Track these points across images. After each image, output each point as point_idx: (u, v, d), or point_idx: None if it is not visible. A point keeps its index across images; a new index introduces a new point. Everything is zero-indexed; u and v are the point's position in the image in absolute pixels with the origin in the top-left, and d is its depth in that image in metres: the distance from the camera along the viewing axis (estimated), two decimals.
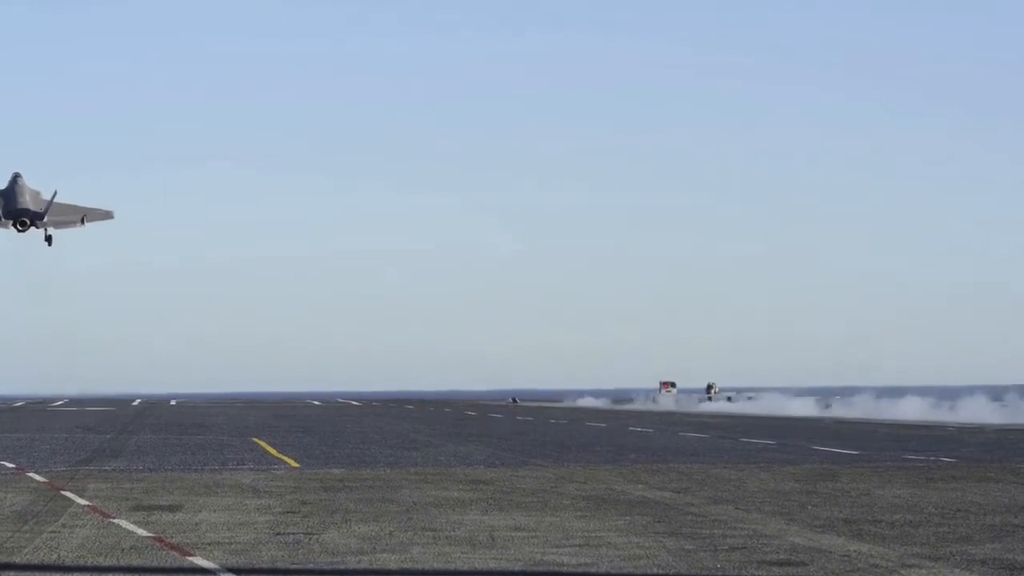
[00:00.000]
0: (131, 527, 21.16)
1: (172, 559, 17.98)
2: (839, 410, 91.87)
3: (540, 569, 17.21)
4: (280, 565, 17.52)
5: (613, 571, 17.02)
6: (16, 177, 62.15)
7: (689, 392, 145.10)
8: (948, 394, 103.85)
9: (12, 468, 33.82)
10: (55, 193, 61.88)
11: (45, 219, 61.74)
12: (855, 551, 18.60)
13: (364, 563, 17.62)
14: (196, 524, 21.58)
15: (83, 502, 24.96)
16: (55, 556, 18.13)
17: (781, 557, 18.06)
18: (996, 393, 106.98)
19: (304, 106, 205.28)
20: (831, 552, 18.48)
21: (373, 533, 20.44)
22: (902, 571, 16.98)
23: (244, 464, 35.32)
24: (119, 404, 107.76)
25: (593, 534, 20.40)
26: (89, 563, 17.54)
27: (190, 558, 18.03)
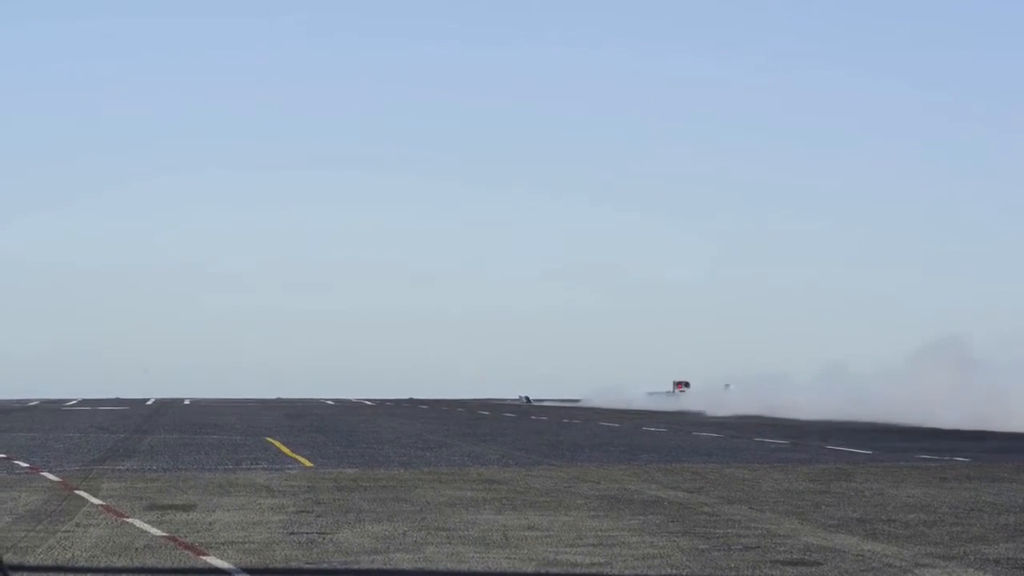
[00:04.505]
0: (145, 526, 21.20)
1: (186, 558, 18.01)
2: None
3: (554, 569, 17.22)
4: (294, 564, 17.54)
5: (627, 571, 17.02)
6: None
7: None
8: None
9: (26, 467, 33.89)
10: None
11: None
12: (869, 550, 18.59)
13: (378, 563, 17.63)
14: (210, 523, 21.62)
15: (97, 501, 25.01)
16: (69, 556, 18.17)
17: (795, 556, 18.06)
18: None
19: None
20: (845, 551, 18.47)
21: (387, 532, 20.46)
22: (916, 570, 16.96)
23: (258, 463, 35.37)
24: (133, 404, 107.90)
25: (607, 533, 20.41)
26: (103, 563, 17.58)
27: (204, 557, 18.06)
